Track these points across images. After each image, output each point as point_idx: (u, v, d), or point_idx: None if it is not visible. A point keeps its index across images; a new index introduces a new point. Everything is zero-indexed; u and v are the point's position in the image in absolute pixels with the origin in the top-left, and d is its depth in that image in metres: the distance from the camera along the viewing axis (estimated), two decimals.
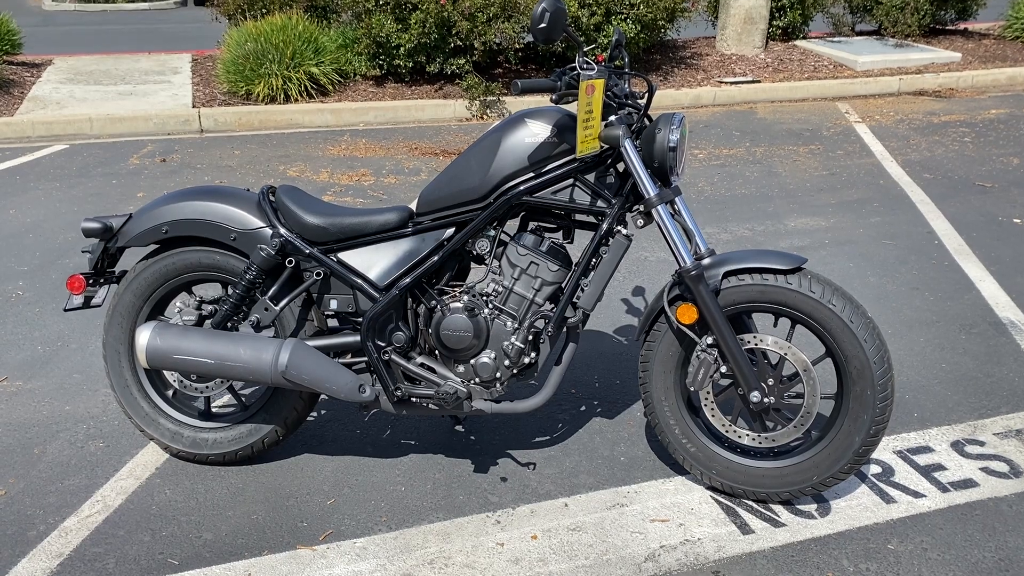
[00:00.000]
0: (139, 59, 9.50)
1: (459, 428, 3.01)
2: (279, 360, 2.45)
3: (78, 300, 2.76)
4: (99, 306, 2.77)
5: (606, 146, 2.45)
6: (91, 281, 2.77)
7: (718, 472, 2.62)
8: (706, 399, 2.60)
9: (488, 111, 7.94)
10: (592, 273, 2.55)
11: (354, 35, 8.31)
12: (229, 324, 2.68)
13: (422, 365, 2.61)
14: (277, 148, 6.84)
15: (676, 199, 2.60)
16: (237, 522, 2.56)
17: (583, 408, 3.16)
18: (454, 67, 8.06)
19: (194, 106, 7.62)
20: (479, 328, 2.54)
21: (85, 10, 15.88)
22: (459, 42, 7.90)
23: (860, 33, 11.13)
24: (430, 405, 2.58)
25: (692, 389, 2.53)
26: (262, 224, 2.63)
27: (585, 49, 2.38)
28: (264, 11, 8.87)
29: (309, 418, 3.07)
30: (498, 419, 3.07)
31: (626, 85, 2.65)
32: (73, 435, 2.99)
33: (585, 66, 2.35)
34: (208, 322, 2.68)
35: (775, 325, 2.62)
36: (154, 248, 2.74)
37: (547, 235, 2.64)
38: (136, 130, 7.24)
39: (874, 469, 2.79)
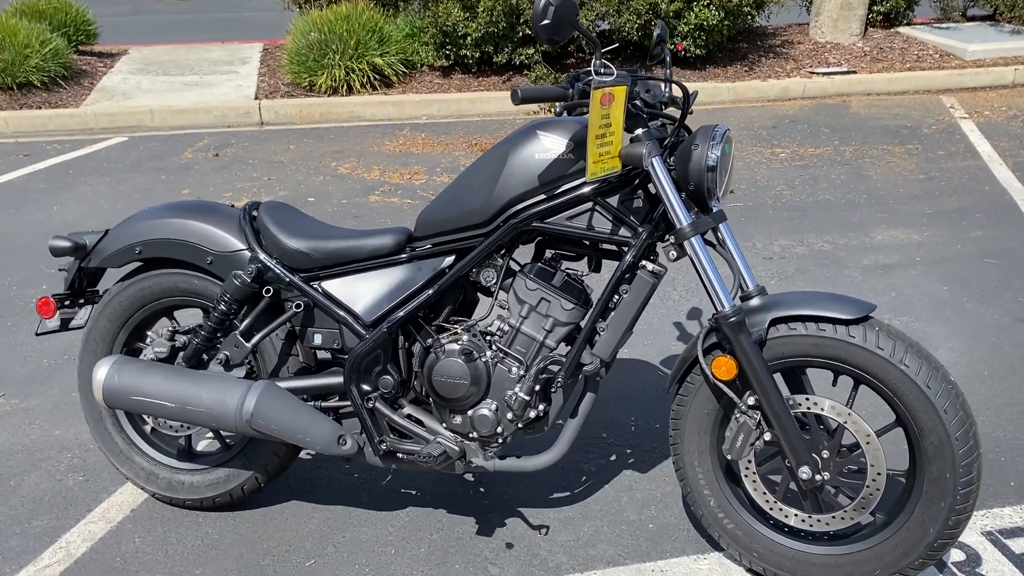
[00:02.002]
0: (211, 49, 9.45)
1: (469, 477, 2.66)
2: (244, 406, 2.15)
3: (52, 324, 2.52)
4: (81, 327, 2.53)
5: (629, 166, 2.04)
6: (67, 303, 2.52)
7: (759, 555, 2.19)
8: (747, 469, 2.17)
9: (556, 103, 7.53)
10: (612, 315, 2.15)
11: (421, 24, 8.02)
12: (206, 358, 2.39)
13: (409, 416, 2.26)
14: (333, 143, 6.61)
15: (720, 226, 2.18)
16: None
17: (613, 457, 2.76)
18: (522, 57, 7.68)
19: (256, 98, 7.47)
20: (478, 374, 2.17)
21: None
22: (528, 31, 7.51)
23: (972, 18, 10.23)
24: (417, 462, 2.23)
25: (729, 457, 2.11)
26: (243, 247, 2.32)
27: (602, 50, 1.97)
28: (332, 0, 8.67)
29: (305, 457, 2.77)
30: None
31: (664, 90, 2.23)
32: (54, 465, 2.76)
33: (602, 70, 1.95)
34: (181, 355, 2.40)
35: (834, 384, 2.16)
36: (136, 267, 2.48)
37: (566, 265, 2.25)
38: (196, 122, 7.13)
39: (955, 555, 2.30)
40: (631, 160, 2.00)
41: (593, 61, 1.96)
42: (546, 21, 1.81)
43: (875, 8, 9.60)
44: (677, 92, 2.20)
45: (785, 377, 2.19)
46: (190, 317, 2.61)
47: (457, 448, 2.19)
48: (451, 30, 7.62)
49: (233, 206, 2.47)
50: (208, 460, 2.52)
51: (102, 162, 6.14)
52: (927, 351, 2.00)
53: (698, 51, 8.15)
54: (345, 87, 7.54)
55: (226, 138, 6.78)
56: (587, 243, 2.24)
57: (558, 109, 1.99)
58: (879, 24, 9.76)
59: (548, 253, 2.28)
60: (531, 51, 7.65)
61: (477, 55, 7.75)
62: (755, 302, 2.12)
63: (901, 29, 9.67)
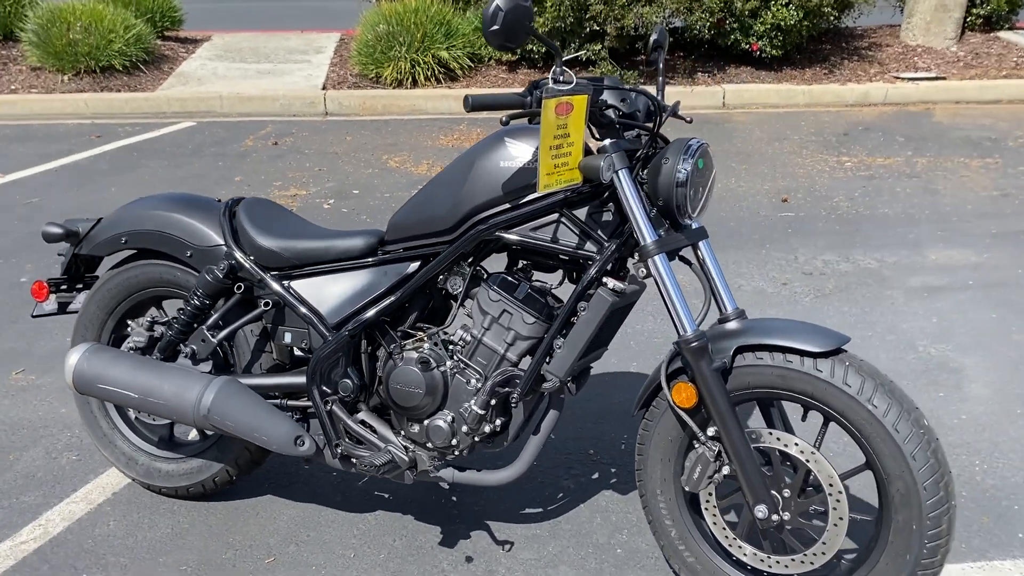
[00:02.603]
0: (290, 37, 9.64)
1: (444, 484, 2.62)
2: (202, 401, 2.16)
3: (49, 306, 2.59)
4: (77, 312, 2.60)
5: (594, 180, 1.96)
6: (63, 287, 2.60)
7: None
8: (707, 501, 2.06)
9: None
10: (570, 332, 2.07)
11: None
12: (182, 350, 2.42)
13: (362, 422, 2.23)
14: (390, 136, 6.65)
15: (700, 244, 2.08)
16: (162, 573, 2.30)
17: (596, 476, 2.68)
18: (589, 53, 7.56)
19: (323, 88, 7.59)
20: (434, 384, 2.13)
21: None
22: (595, 26, 7.39)
23: None
24: (361, 469, 2.20)
25: (687, 489, 2.01)
26: (221, 242, 2.34)
27: (565, 57, 1.89)
28: None
29: None
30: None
31: (646, 99, 2.12)
32: (53, 443, 2.85)
33: (560, 78, 1.87)
34: (157, 346, 2.43)
35: (803, 419, 2.03)
36: (128, 255, 2.54)
37: (537, 276, 2.19)
38: (263, 110, 7.28)
39: None
40: (589, 172, 1.92)
41: (553, 68, 1.88)
42: (495, 27, 1.75)
43: (974, 11, 9.08)
44: (672, 99, 2.10)
45: (761, 408, 2.08)
46: (177, 308, 2.65)
47: (407, 458, 2.15)
48: None
49: (219, 200, 2.49)
50: (185, 450, 2.56)
51: (166, 146, 6.34)
52: (900, 391, 1.86)
53: (774, 51, 7.87)
54: (410, 80, 7.58)
55: (288, 127, 6.90)
56: (563, 255, 2.16)
57: (503, 119, 1.91)
58: (978, 28, 9.23)
59: (520, 263, 2.21)
60: (598, 47, 7.53)
61: (543, 49, 7.67)
62: (729, 327, 2.01)
63: (1002, 34, 9.13)
